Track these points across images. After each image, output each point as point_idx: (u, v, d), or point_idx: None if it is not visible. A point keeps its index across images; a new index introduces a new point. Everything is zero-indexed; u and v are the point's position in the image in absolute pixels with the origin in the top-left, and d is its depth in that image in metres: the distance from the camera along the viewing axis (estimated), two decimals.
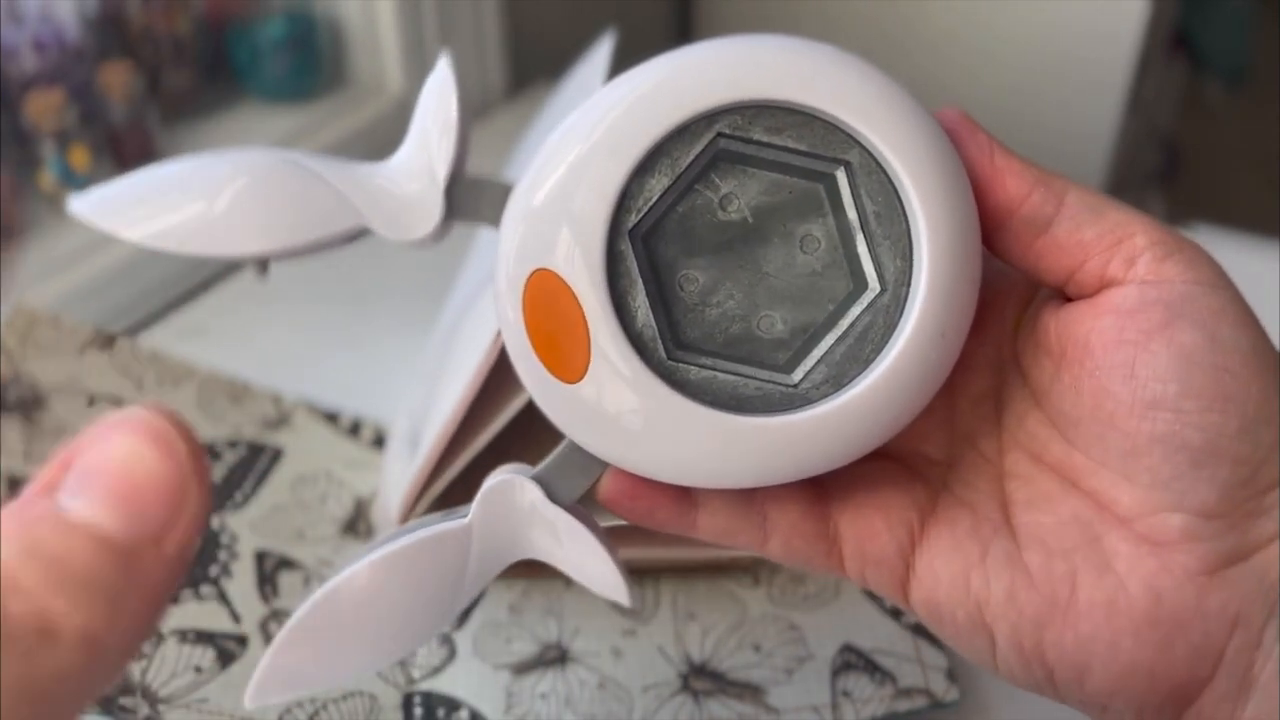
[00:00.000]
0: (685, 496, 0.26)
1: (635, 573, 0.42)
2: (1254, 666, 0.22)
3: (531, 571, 0.40)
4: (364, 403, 0.50)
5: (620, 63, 0.48)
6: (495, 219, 0.25)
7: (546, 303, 0.24)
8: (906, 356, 0.23)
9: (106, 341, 0.47)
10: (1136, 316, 0.23)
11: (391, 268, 0.62)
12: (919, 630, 0.39)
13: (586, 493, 0.27)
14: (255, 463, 0.45)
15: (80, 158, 0.60)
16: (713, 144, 0.24)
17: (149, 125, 0.64)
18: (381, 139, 0.73)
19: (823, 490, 0.26)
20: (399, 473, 0.43)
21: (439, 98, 0.27)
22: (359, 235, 0.27)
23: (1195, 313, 0.23)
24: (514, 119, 0.79)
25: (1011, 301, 0.27)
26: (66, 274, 0.57)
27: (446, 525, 0.26)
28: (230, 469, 0.45)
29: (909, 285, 0.24)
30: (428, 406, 0.45)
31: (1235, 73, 1.63)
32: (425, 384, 0.48)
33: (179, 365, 0.47)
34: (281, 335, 0.56)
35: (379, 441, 0.47)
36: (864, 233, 0.24)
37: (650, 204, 0.24)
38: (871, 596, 0.40)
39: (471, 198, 0.26)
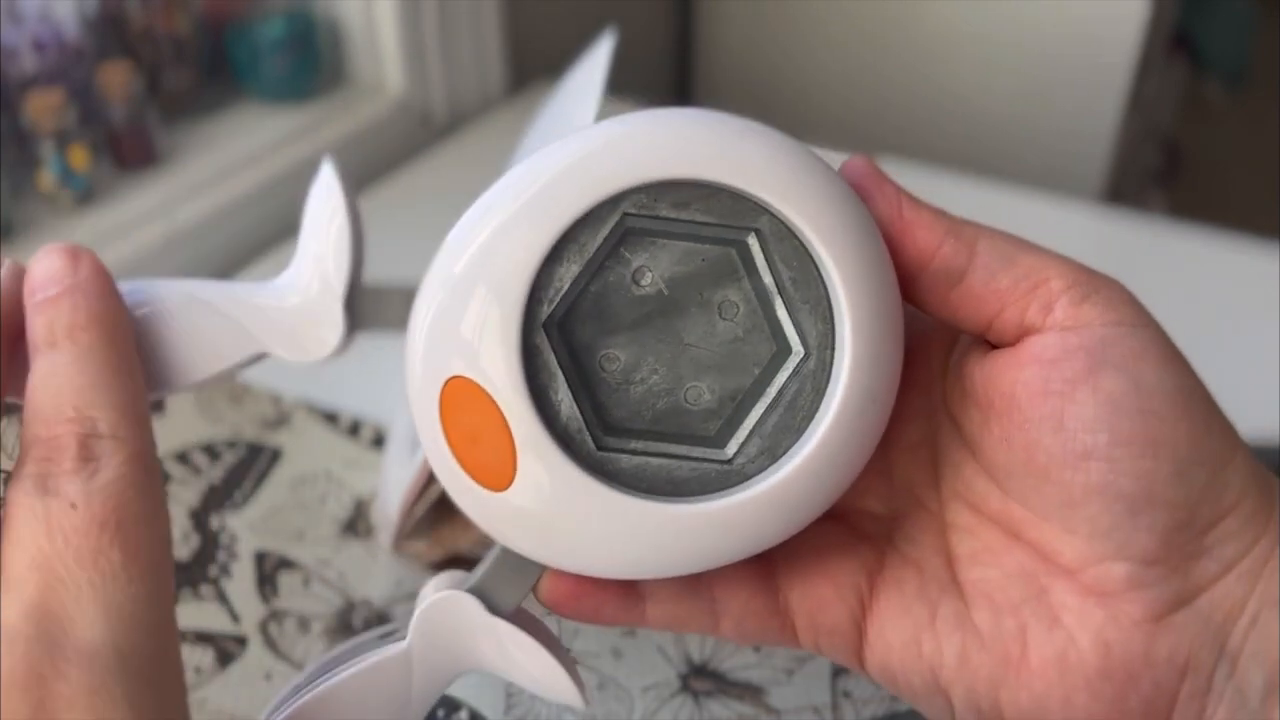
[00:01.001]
0: (631, 590, 0.25)
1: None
2: (1205, 711, 0.22)
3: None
4: (363, 403, 0.50)
5: (620, 62, 0.48)
6: (401, 324, 0.24)
7: (465, 411, 0.23)
8: (839, 423, 0.23)
9: None
10: (1059, 365, 0.22)
11: (391, 268, 0.62)
12: None
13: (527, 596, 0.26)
14: (255, 463, 0.45)
15: (80, 158, 0.60)
16: (620, 225, 0.23)
17: (148, 125, 0.64)
18: (381, 139, 0.73)
19: (769, 564, 0.26)
20: (398, 473, 0.43)
21: (327, 207, 0.26)
22: (260, 359, 0.26)
23: (1117, 357, 0.22)
24: (514, 119, 0.79)
25: (936, 347, 0.26)
26: None
27: (384, 652, 0.25)
28: (230, 469, 0.45)
29: (833, 349, 0.23)
30: None
31: (1235, 73, 1.64)
32: None
33: None
34: None
35: (378, 441, 0.47)
36: (782, 297, 0.24)
37: (561, 293, 0.23)
38: None
39: (374, 307, 0.25)
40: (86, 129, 0.63)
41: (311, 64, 0.72)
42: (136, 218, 0.61)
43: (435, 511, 0.40)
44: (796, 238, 0.23)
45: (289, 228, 0.66)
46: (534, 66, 0.85)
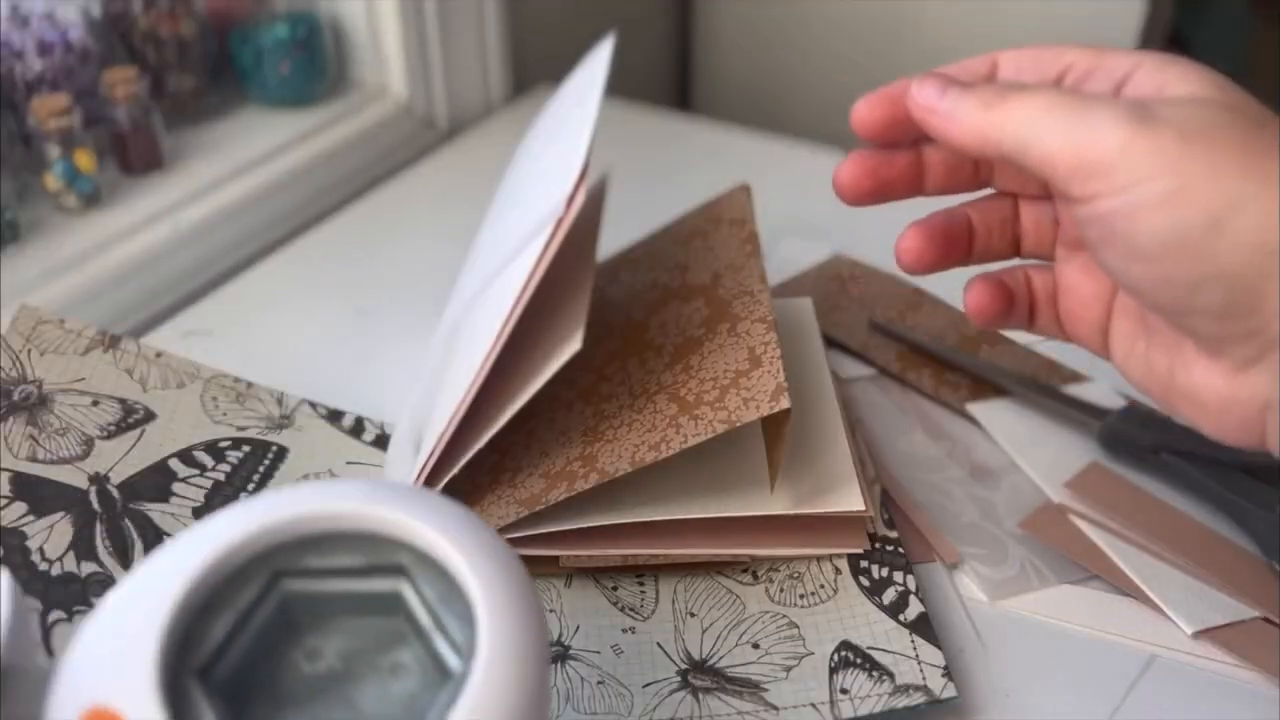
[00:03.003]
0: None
1: (635, 569, 0.42)
2: None
3: (531, 570, 0.40)
4: (366, 402, 0.50)
5: (620, 65, 0.48)
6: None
7: None
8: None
9: (111, 342, 0.47)
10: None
11: (394, 269, 0.63)
12: (916, 628, 0.39)
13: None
14: (259, 462, 0.46)
15: (85, 160, 0.61)
16: (273, 582, 0.26)
17: (153, 128, 0.65)
18: (383, 143, 0.73)
19: None
20: (402, 471, 0.44)
21: None
22: None
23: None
24: (515, 123, 0.79)
25: None
26: (72, 275, 0.57)
27: None
28: (234, 468, 0.45)
29: (473, 650, 0.25)
30: (430, 405, 0.45)
31: (1231, 75, 1.63)
32: (427, 383, 0.48)
33: (183, 365, 0.48)
34: (285, 335, 0.57)
35: (381, 440, 0.48)
36: (437, 627, 0.26)
37: (217, 644, 0.24)
38: (869, 594, 0.41)
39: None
40: (92, 132, 0.63)
41: (315, 68, 0.73)
42: (142, 220, 0.61)
43: None
44: (435, 560, 0.27)
45: (293, 230, 0.67)
46: (535, 71, 0.85)
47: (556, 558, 0.41)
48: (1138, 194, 0.26)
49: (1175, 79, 0.29)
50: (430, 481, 0.41)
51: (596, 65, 0.47)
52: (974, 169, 0.35)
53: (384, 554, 0.27)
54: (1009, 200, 0.35)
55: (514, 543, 0.40)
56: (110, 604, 0.25)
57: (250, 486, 0.45)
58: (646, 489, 0.41)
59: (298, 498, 0.27)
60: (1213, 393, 0.29)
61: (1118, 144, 0.26)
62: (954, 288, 0.58)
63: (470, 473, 0.42)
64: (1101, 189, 0.27)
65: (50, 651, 0.37)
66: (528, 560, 0.40)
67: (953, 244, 0.35)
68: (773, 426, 0.40)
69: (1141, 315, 0.32)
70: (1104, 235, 0.28)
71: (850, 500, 0.41)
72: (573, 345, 0.38)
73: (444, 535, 0.26)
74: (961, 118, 0.29)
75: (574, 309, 0.41)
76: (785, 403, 0.37)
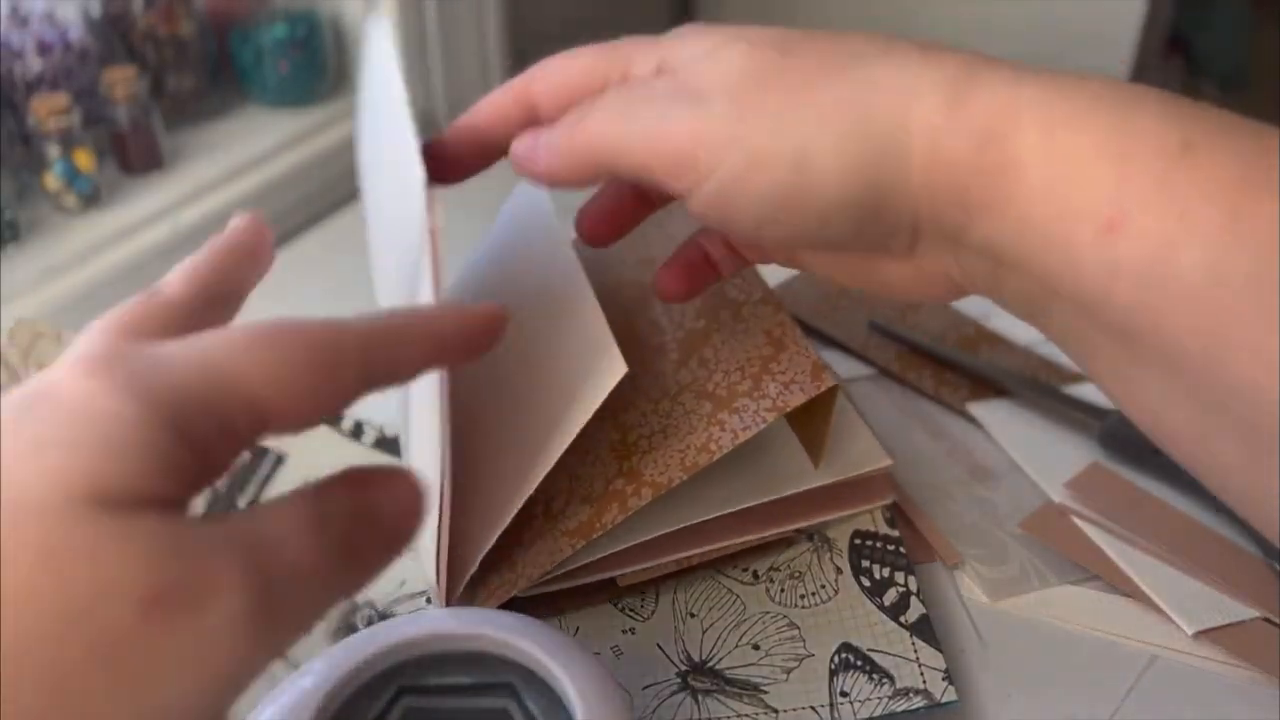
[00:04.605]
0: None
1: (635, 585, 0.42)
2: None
3: (588, 598, 0.40)
4: (366, 404, 0.50)
5: None
6: None
7: None
8: None
9: None
10: None
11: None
12: (917, 630, 0.39)
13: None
14: (258, 467, 0.46)
15: (85, 160, 0.61)
16: (397, 698, 0.30)
17: (153, 128, 0.65)
18: None
19: None
20: (427, 544, 0.42)
21: None
22: None
23: None
24: None
25: None
26: (72, 275, 0.57)
27: None
28: (233, 474, 0.45)
29: None
30: (407, 431, 0.43)
31: (1232, 75, 1.64)
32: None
33: None
34: None
35: (381, 444, 0.48)
36: None
37: None
38: (870, 595, 0.41)
39: None
40: (91, 132, 0.63)
41: (314, 67, 0.73)
42: (141, 220, 0.61)
43: (482, 568, 0.39)
44: (540, 677, 0.31)
45: (292, 230, 0.67)
46: None
47: (613, 579, 0.40)
48: (725, 172, 0.28)
49: (693, 41, 0.30)
50: (458, 564, 0.39)
51: (381, 48, 0.43)
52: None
53: (495, 673, 0.31)
54: None
55: (570, 573, 0.39)
56: (260, 714, 0.29)
57: (249, 493, 0.45)
58: (684, 489, 0.39)
59: (423, 621, 0.31)
60: (901, 278, 0.31)
61: (688, 133, 0.28)
62: None
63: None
64: (694, 179, 0.28)
65: None
66: (585, 588, 0.40)
67: (696, 273, 0.37)
68: (809, 404, 0.39)
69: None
70: (721, 217, 0.29)
71: (877, 457, 0.42)
72: (615, 369, 0.35)
73: (547, 654, 0.30)
74: (553, 155, 0.30)
75: (581, 327, 0.38)
76: (830, 380, 0.38)
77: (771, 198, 0.28)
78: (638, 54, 0.31)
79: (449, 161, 0.34)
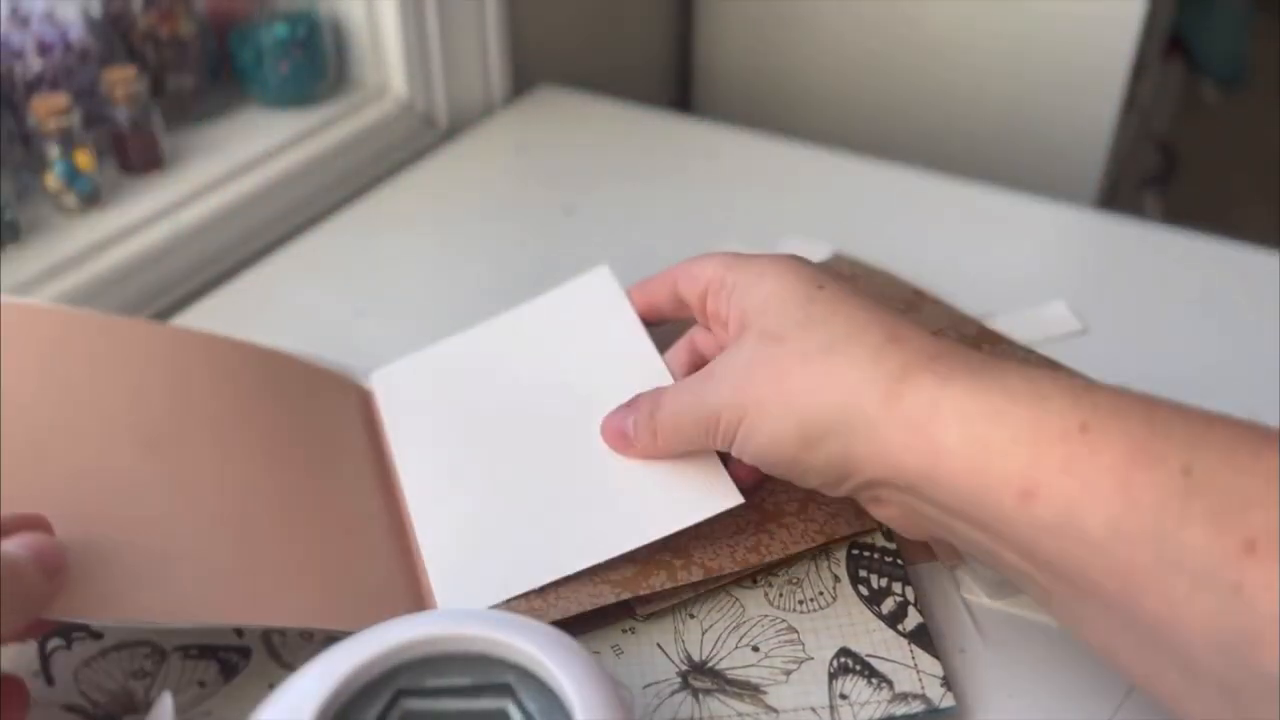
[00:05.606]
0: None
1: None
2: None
3: (606, 621, 0.40)
4: None
5: (621, 66, 0.48)
6: None
7: None
8: None
9: None
10: None
11: (394, 269, 0.63)
12: (915, 638, 0.39)
13: None
14: None
15: (85, 160, 0.61)
16: (395, 700, 0.31)
17: (153, 128, 0.65)
18: (384, 143, 0.73)
19: None
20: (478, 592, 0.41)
21: None
22: None
23: None
24: (516, 122, 0.79)
25: None
26: (72, 275, 0.57)
27: None
28: None
29: None
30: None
31: (1232, 75, 1.64)
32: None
33: None
34: (285, 337, 0.57)
35: None
36: None
37: None
38: (868, 603, 0.41)
39: None
40: (91, 132, 0.63)
41: (315, 67, 0.73)
42: (141, 220, 0.61)
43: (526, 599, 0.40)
44: (537, 677, 0.31)
45: (293, 230, 0.67)
46: (535, 71, 0.85)
47: (631, 606, 0.41)
48: (735, 432, 0.38)
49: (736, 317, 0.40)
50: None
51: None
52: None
53: (492, 673, 0.31)
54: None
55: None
56: (258, 718, 0.29)
57: None
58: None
59: (419, 623, 0.32)
60: (878, 513, 0.37)
61: (712, 407, 0.38)
62: (954, 287, 0.59)
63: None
64: (718, 432, 0.38)
65: (49, 679, 0.37)
66: (604, 611, 0.40)
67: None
68: None
69: None
70: (739, 454, 0.38)
71: None
72: (730, 498, 0.40)
73: (545, 654, 0.31)
74: (642, 449, 0.41)
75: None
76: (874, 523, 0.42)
77: (761, 455, 0.37)
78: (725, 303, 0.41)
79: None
